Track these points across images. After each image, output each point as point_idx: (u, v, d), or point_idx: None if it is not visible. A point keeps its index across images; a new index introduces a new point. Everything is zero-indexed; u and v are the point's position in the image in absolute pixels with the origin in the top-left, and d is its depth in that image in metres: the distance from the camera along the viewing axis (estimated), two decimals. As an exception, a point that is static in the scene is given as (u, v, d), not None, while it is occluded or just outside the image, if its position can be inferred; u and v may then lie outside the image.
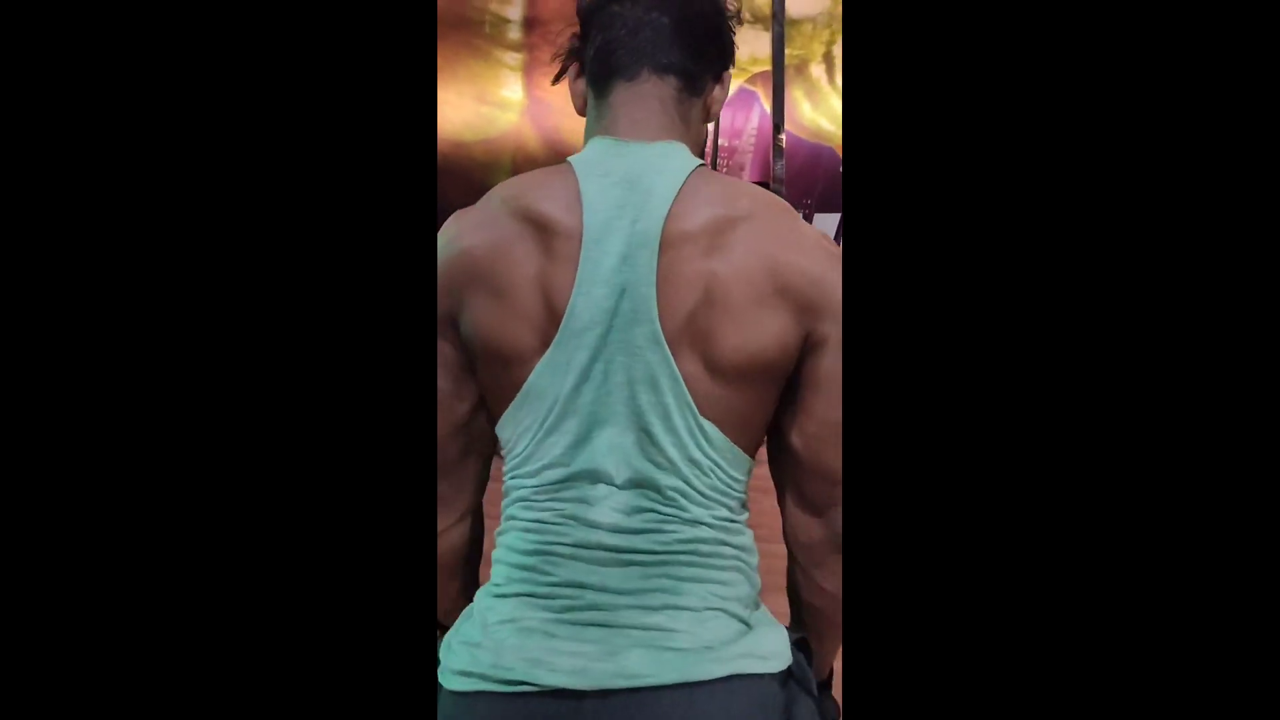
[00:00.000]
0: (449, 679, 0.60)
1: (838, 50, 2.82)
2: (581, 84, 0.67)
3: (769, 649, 0.59)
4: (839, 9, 2.76)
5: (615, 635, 0.59)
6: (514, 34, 2.83)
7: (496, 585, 0.63)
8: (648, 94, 0.64)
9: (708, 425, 0.61)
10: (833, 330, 0.60)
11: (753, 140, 2.79)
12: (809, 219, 2.98)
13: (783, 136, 2.55)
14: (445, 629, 0.68)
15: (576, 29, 0.68)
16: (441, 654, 0.63)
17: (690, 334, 0.59)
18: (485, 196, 0.65)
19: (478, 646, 0.61)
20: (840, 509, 0.63)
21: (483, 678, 0.59)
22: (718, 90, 0.67)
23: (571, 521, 0.60)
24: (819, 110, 2.91)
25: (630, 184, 0.61)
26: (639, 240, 0.59)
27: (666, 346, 0.59)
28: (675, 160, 0.62)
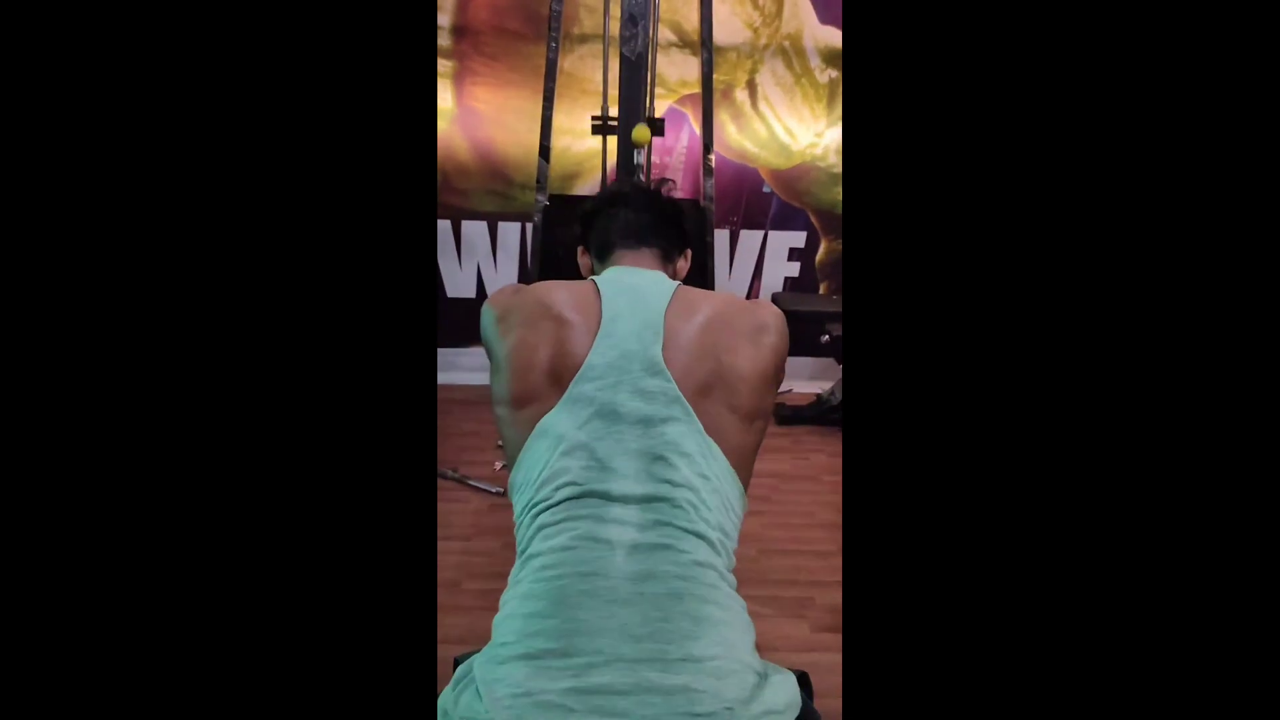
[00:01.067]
0: None
1: (760, 78, 2.97)
2: (588, 259, 1.03)
3: (784, 701, 0.64)
4: (761, 40, 2.91)
5: (639, 705, 0.59)
6: (444, 41, 2.81)
7: (503, 646, 0.65)
8: (641, 256, 0.96)
9: (714, 445, 0.73)
10: (781, 370, 0.85)
11: (683, 158, 2.90)
12: (735, 235, 3.10)
13: (712, 156, 2.66)
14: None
15: (577, 227, 1.05)
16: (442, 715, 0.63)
17: (701, 387, 0.76)
18: (522, 291, 0.87)
19: None
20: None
21: None
22: (681, 262, 1.02)
23: (588, 543, 0.65)
24: (744, 133, 3.04)
25: (636, 292, 0.84)
26: (646, 323, 0.79)
27: (678, 387, 0.75)
28: (665, 283, 0.88)
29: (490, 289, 3.08)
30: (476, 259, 3.03)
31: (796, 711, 0.64)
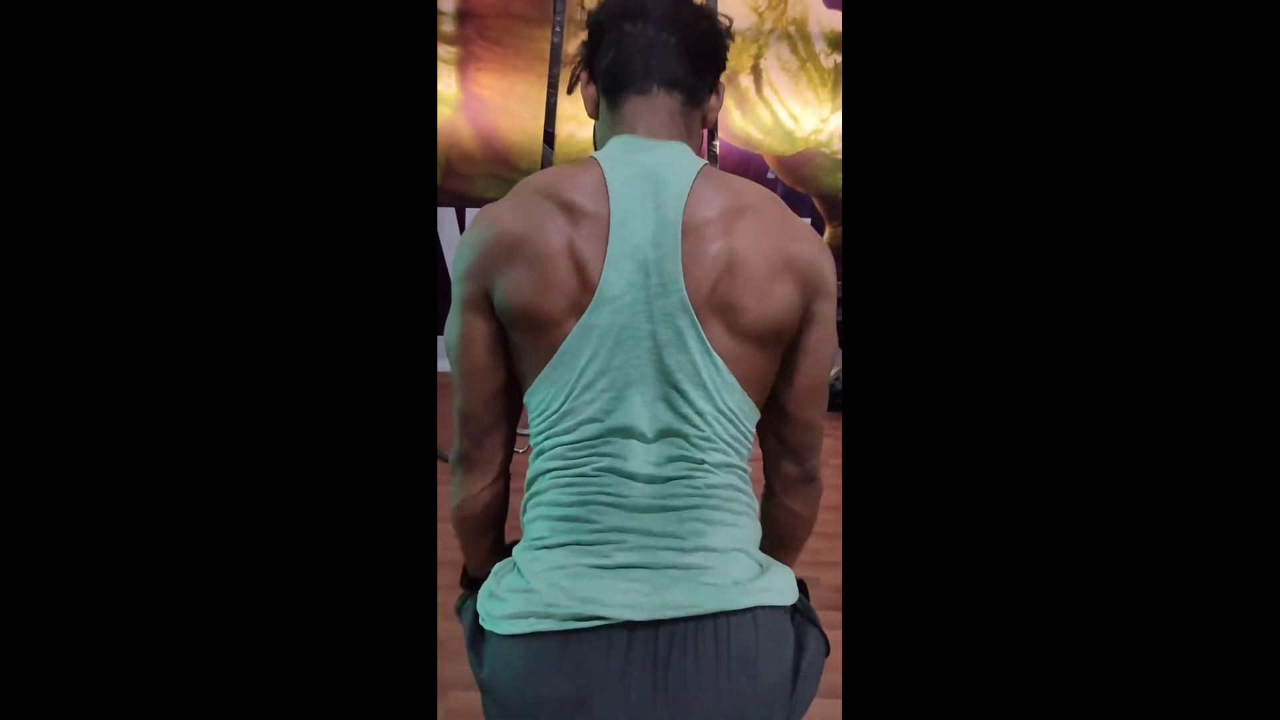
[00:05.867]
0: (500, 624, 0.66)
1: (764, 63, 2.95)
2: (593, 90, 0.77)
3: (782, 586, 0.70)
4: (766, 24, 2.89)
5: (658, 575, 0.67)
6: (447, 26, 2.80)
7: (538, 539, 0.70)
8: (658, 106, 0.74)
9: (730, 379, 0.69)
10: (824, 306, 0.73)
11: None
12: (739, 222, 3.10)
13: (717, 143, 2.66)
14: (474, 585, 0.74)
15: (585, 38, 0.79)
16: (483, 605, 0.69)
17: (714, 303, 0.69)
18: (515, 187, 0.73)
19: (529, 591, 0.68)
20: (817, 454, 0.77)
21: (540, 617, 0.65)
22: (713, 100, 0.77)
23: (609, 474, 0.69)
24: (749, 119, 3.03)
25: (650, 176, 0.70)
26: (663, 223, 0.69)
27: (694, 313, 0.68)
28: (686, 160, 0.72)
29: (495, 276, 3.07)
30: (481, 246, 3.03)
31: (794, 598, 0.70)
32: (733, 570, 0.68)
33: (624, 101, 0.74)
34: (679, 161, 0.70)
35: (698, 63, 0.74)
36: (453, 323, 0.72)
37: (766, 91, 2.98)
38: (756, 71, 2.95)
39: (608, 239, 0.67)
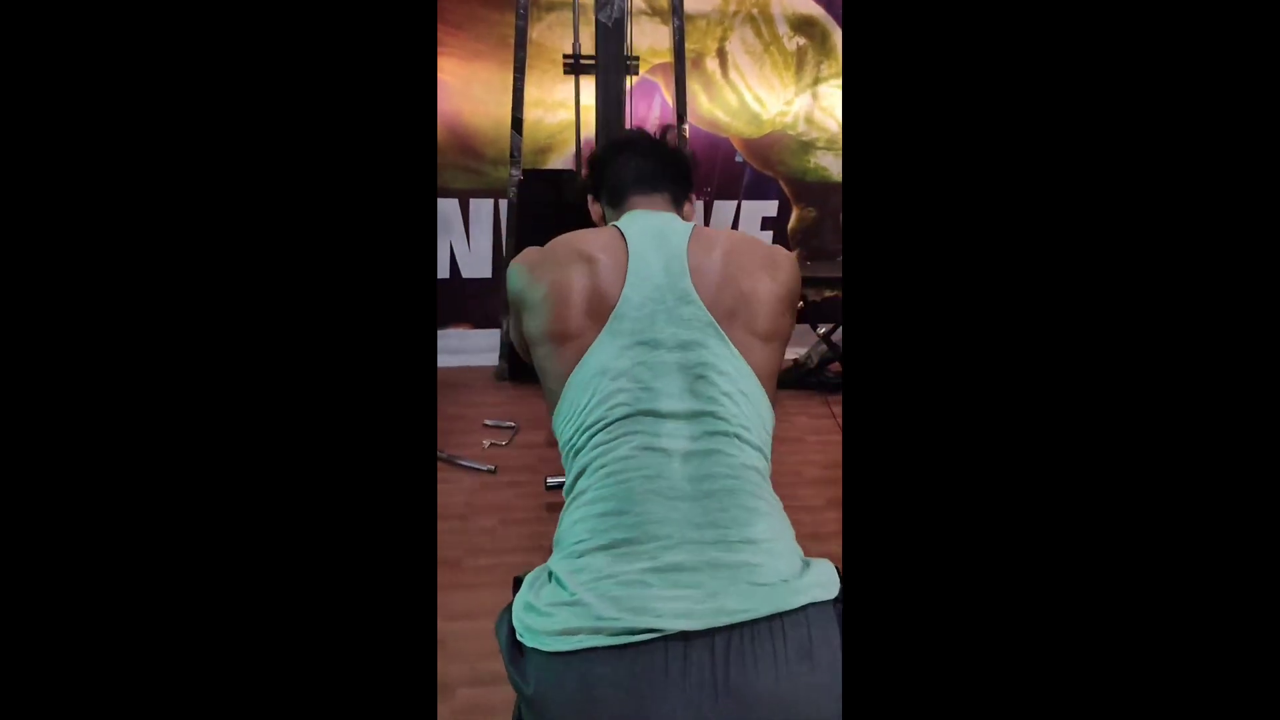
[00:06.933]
0: (546, 640, 0.66)
1: (730, 46, 2.96)
2: (599, 207, 1.05)
3: (827, 579, 0.73)
4: (730, 7, 2.90)
5: (708, 578, 0.68)
6: (407, 12, 2.73)
7: (579, 543, 0.71)
8: (654, 200, 0.99)
9: (747, 368, 0.80)
10: (796, 295, 0.92)
11: (655, 130, 2.88)
12: (709, 206, 3.12)
13: (686, 126, 2.66)
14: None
15: (587, 172, 1.07)
16: (521, 619, 0.68)
17: (724, 309, 0.83)
18: (550, 243, 0.91)
19: (576, 604, 0.68)
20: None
21: (591, 632, 0.65)
22: (688, 206, 1.04)
23: (647, 452, 0.73)
24: (715, 103, 3.04)
25: (657, 230, 0.89)
26: (671, 257, 0.85)
27: (710, 314, 0.81)
28: (680, 222, 0.93)
29: (464, 267, 3.04)
30: (449, 237, 2.99)
31: (837, 589, 0.72)
32: (780, 566, 0.70)
33: (627, 201, 0.99)
34: (676, 221, 0.92)
35: (678, 178, 1.02)
36: (508, 321, 1.05)
37: (732, 74, 2.99)
38: (722, 54, 2.95)
39: (626, 271, 0.83)
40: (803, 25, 3.00)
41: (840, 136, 3.12)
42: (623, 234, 0.87)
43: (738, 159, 3.10)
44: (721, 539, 0.69)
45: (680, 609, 0.65)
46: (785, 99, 3.06)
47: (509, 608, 0.74)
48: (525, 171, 2.68)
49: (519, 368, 2.74)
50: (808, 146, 3.14)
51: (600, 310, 0.81)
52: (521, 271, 0.88)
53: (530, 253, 0.91)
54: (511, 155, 2.64)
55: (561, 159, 2.93)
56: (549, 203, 2.66)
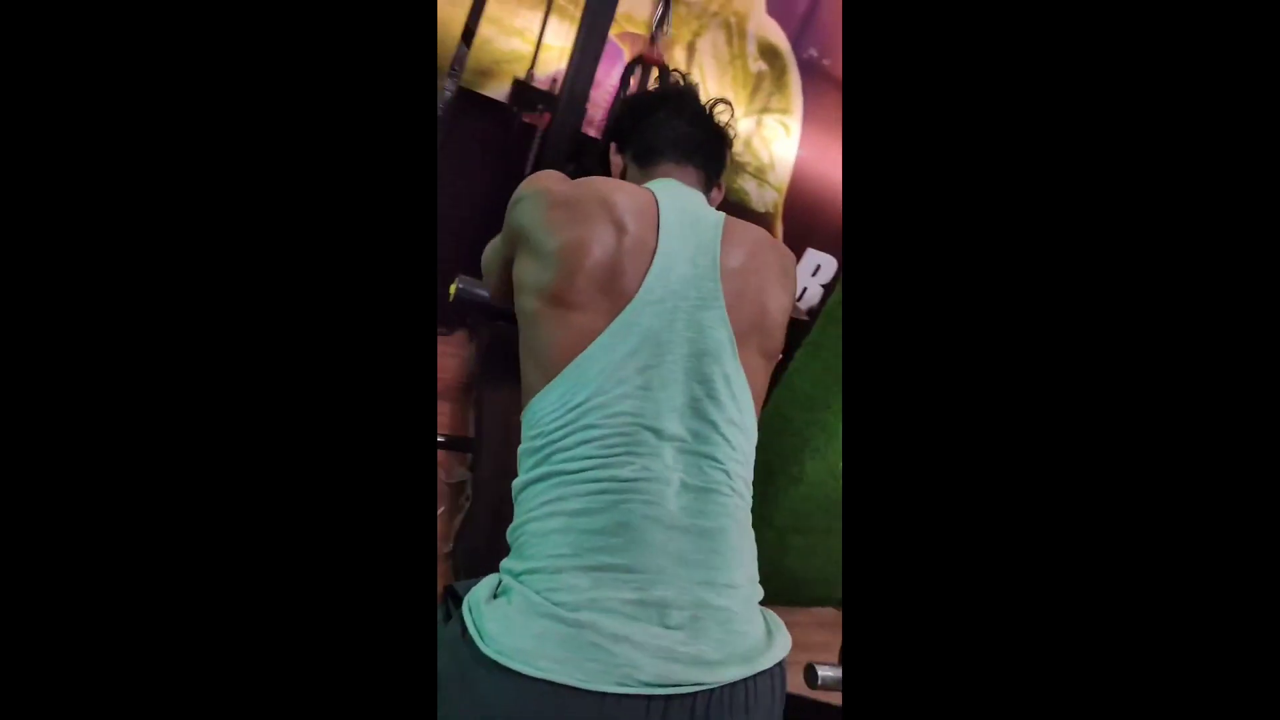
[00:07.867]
0: (518, 662, 0.58)
1: (700, 43, 2.92)
2: (621, 160, 0.96)
3: (785, 639, 0.73)
4: (712, 5, 2.86)
5: (690, 620, 0.65)
6: None
7: (559, 557, 0.63)
8: (688, 172, 0.92)
9: (748, 396, 0.75)
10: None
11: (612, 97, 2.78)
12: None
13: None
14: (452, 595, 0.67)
15: (620, 115, 0.98)
16: (486, 625, 0.60)
17: (744, 328, 0.76)
18: (578, 180, 0.81)
19: (556, 621, 0.62)
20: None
21: (573, 663, 0.60)
22: (715, 193, 0.98)
23: (648, 478, 0.68)
24: (673, 94, 2.99)
25: (692, 214, 0.82)
26: (700, 249, 0.77)
27: (730, 327, 0.75)
28: (712, 210, 0.86)
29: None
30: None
31: (789, 647, 0.72)
32: (754, 618, 0.70)
33: (658, 166, 0.91)
34: (709, 210, 0.86)
35: (716, 156, 0.95)
36: (494, 244, 0.90)
37: (695, 73, 2.95)
38: (691, 50, 2.91)
39: (653, 253, 0.74)
40: (768, 52, 3.03)
41: (767, 169, 3.20)
42: (657, 206, 0.78)
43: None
44: (708, 580, 0.67)
45: (663, 645, 0.63)
46: (735, 115, 3.09)
47: (452, 592, 0.67)
48: (459, 88, 2.46)
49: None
50: (737, 168, 3.19)
51: (616, 290, 0.73)
52: (538, 205, 0.77)
53: (551, 186, 0.78)
54: (452, 66, 2.41)
55: (500, 89, 2.73)
56: (474, 130, 2.47)
